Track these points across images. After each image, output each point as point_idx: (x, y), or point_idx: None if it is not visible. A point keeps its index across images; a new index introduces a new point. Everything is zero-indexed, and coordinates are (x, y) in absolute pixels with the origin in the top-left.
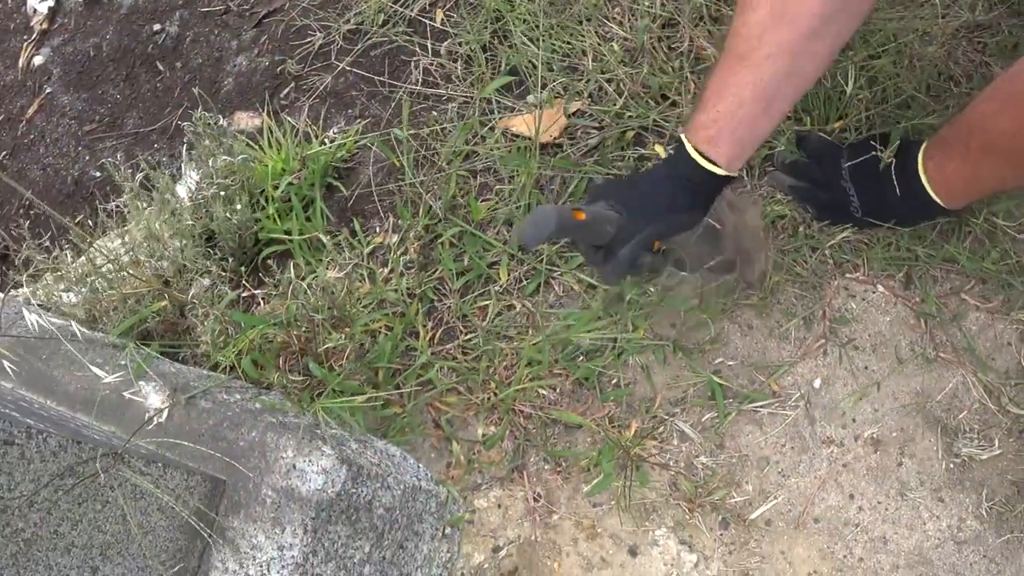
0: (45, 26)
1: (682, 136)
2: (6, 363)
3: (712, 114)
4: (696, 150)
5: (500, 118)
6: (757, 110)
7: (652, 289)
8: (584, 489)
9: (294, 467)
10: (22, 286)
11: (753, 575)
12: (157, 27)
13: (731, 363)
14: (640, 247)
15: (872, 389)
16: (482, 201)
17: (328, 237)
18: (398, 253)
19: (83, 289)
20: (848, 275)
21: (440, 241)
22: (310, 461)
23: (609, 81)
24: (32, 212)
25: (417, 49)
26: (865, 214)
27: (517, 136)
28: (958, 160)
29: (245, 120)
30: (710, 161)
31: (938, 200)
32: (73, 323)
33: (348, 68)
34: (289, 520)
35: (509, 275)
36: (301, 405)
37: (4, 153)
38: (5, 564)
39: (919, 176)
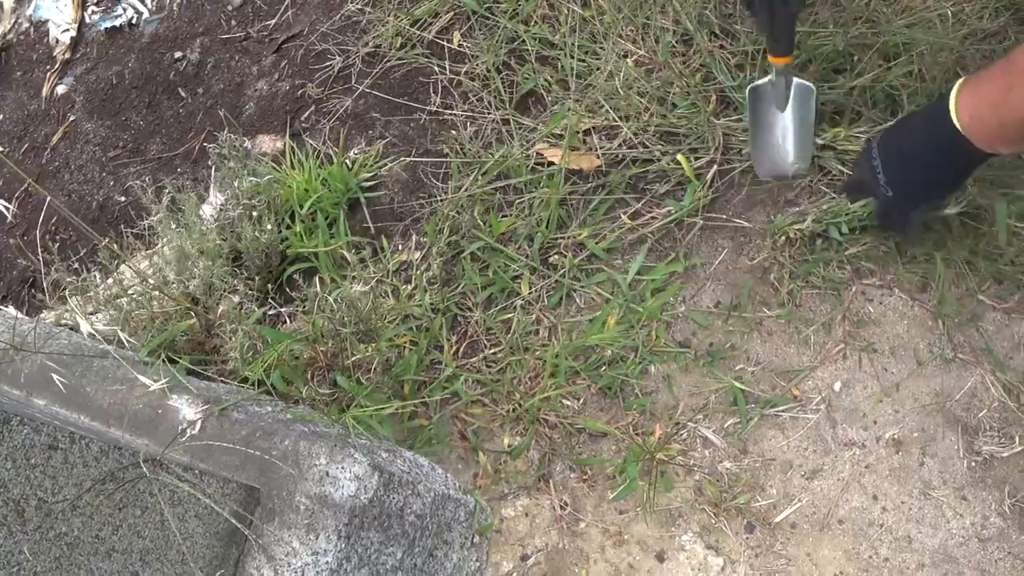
0: (68, 55)
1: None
2: (53, 376)
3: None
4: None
5: (535, 144)
6: None
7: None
8: (610, 496)
9: (327, 474)
10: (51, 308)
11: None
12: (179, 55)
13: (752, 369)
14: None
15: (892, 391)
16: (503, 217)
17: (352, 254)
18: (421, 269)
19: (111, 310)
20: (865, 280)
21: (463, 256)
22: (343, 468)
23: (627, 97)
24: (59, 237)
25: (435, 70)
26: (889, 182)
27: (538, 154)
28: (987, 87)
29: (268, 143)
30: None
31: (959, 128)
32: (121, 334)
33: (368, 90)
34: (323, 526)
35: (531, 288)
36: (330, 417)
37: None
38: (49, 568)
39: (947, 103)
